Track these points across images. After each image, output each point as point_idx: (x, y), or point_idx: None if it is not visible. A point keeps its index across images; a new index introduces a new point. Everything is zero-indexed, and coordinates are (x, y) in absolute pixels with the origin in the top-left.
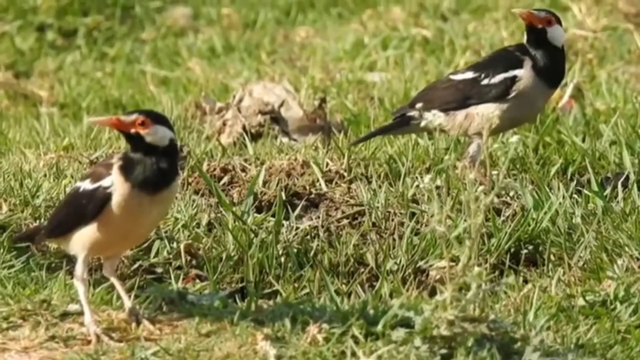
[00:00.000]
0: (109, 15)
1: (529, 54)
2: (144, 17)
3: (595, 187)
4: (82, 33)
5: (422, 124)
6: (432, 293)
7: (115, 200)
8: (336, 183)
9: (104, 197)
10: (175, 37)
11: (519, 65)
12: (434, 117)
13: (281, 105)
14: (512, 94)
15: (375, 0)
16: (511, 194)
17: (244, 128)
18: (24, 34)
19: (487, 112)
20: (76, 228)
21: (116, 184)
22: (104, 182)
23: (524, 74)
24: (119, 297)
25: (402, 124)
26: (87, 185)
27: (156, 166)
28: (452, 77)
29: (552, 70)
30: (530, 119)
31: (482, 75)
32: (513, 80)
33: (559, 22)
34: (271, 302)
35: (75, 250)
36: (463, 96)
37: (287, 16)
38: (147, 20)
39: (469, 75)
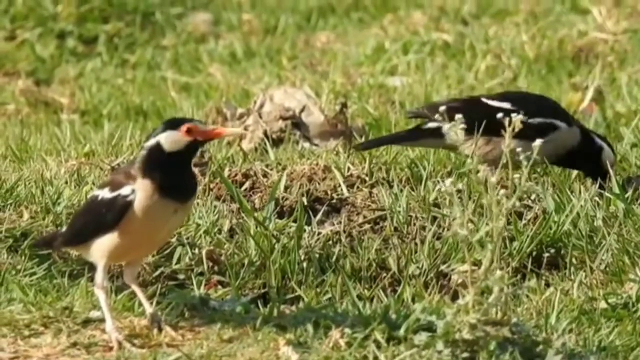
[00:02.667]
0: (130, 22)
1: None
2: (164, 23)
3: (617, 190)
4: (102, 40)
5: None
6: (455, 297)
7: (140, 208)
8: (358, 188)
9: (124, 206)
10: (196, 43)
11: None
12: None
13: (302, 110)
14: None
15: (396, 5)
16: (533, 197)
17: (265, 134)
18: (45, 42)
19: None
20: (96, 236)
21: (142, 192)
22: (124, 191)
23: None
24: (141, 304)
25: (421, 136)
26: (106, 194)
27: (186, 173)
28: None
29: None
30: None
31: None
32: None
33: None
34: (294, 308)
35: (95, 258)
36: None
37: (308, 22)
38: (168, 26)
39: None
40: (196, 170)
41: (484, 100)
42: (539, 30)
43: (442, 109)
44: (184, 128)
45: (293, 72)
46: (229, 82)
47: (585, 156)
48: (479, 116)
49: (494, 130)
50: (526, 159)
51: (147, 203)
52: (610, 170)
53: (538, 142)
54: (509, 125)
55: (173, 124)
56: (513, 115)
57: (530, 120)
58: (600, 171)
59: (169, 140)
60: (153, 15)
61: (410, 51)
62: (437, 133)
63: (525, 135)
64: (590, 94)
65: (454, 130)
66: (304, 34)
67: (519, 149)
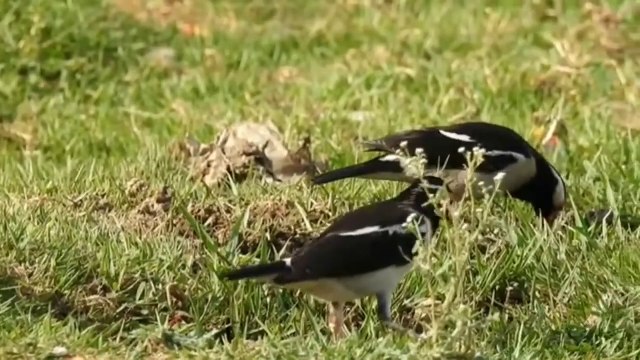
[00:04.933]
0: (92, 57)
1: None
2: (127, 59)
3: (579, 224)
4: (65, 76)
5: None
6: (418, 331)
7: None
8: (321, 223)
9: None
10: (158, 78)
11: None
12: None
13: (265, 145)
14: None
15: (358, 40)
16: (496, 231)
17: (228, 169)
18: (7, 78)
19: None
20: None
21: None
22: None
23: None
24: (104, 340)
25: (379, 169)
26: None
27: None
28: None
29: None
30: None
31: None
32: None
33: None
34: (257, 343)
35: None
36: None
37: (271, 57)
38: (131, 62)
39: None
40: (159, 206)
41: (442, 132)
42: (501, 64)
43: (403, 144)
44: None
45: (256, 108)
46: (192, 118)
47: (539, 188)
48: (437, 149)
49: (453, 162)
50: (488, 193)
51: None
52: (559, 205)
53: (500, 176)
54: (470, 159)
55: None
56: (474, 148)
57: (489, 153)
58: (549, 204)
59: None
60: (115, 50)
61: (373, 86)
62: (396, 166)
63: (484, 167)
64: (552, 127)
65: (415, 164)
66: (266, 69)
67: (479, 182)
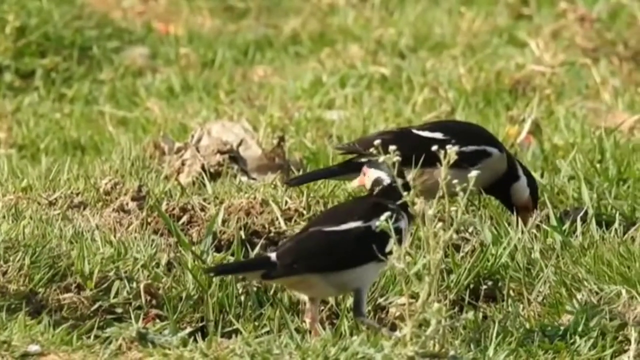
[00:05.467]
0: (67, 56)
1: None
2: (101, 57)
3: (554, 222)
4: (39, 74)
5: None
6: (392, 330)
7: None
8: (295, 221)
9: None
10: (133, 77)
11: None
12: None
13: (240, 144)
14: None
15: (333, 38)
16: (470, 229)
17: (202, 167)
18: None
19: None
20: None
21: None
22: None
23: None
24: (78, 338)
25: (353, 170)
26: None
27: None
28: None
29: None
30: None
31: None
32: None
33: None
34: (231, 341)
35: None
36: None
37: (245, 55)
38: (105, 60)
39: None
40: (133, 205)
41: (415, 131)
42: (476, 63)
43: (377, 142)
44: None
45: (230, 106)
46: (166, 116)
47: (503, 185)
48: (411, 148)
49: (426, 160)
50: (462, 191)
51: None
52: (520, 203)
53: (474, 173)
54: (444, 157)
55: None
56: (447, 146)
57: (463, 149)
58: (509, 201)
59: None
60: (90, 49)
61: (347, 84)
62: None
63: (458, 163)
64: (527, 126)
65: (388, 163)
66: (241, 68)
67: (454, 180)
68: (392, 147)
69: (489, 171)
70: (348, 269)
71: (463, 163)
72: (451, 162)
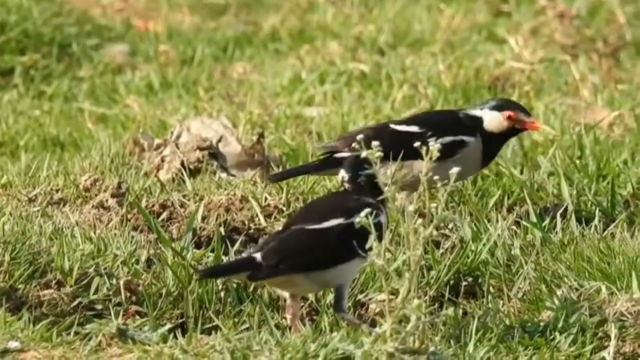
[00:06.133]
0: (46, 53)
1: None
2: (81, 54)
3: (533, 219)
4: (19, 71)
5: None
6: (372, 326)
7: None
8: (275, 217)
9: None
10: (112, 74)
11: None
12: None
13: (219, 140)
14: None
15: (312, 35)
16: (450, 226)
17: (182, 164)
18: None
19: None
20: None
21: None
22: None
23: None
24: (58, 334)
25: (334, 165)
26: None
27: None
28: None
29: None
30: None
31: (429, 133)
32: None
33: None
34: (211, 337)
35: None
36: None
37: (225, 52)
38: (85, 58)
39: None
40: (113, 201)
41: (392, 126)
42: (455, 60)
43: (360, 137)
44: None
45: (210, 103)
46: (146, 113)
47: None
48: (389, 143)
49: (406, 154)
50: (443, 187)
51: None
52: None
53: (455, 170)
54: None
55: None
56: (425, 139)
57: (440, 140)
58: None
59: None
60: (69, 46)
61: (327, 81)
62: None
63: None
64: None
65: (371, 157)
66: (220, 65)
67: (435, 174)
68: (374, 143)
69: (469, 159)
70: (331, 267)
71: (442, 154)
72: (433, 158)
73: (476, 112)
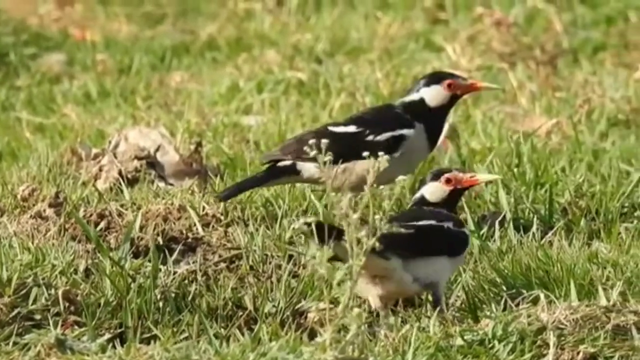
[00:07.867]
0: None
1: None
2: (18, 64)
3: (471, 227)
4: None
5: (304, 173)
6: (312, 335)
7: None
8: (213, 227)
9: None
10: (50, 83)
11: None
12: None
13: (157, 150)
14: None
15: (249, 43)
16: None
17: (120, 173)
18: None
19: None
20: None
21: None
22: None
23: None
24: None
25: (278, 174)
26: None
27: None
28: (331, 128)
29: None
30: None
31: (367, 131)
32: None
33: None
34: (150, 347)
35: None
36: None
37: (162, 61)
38: (22, 67)
39: (352, 129)
40: (51, 211)
41: (330, 128)
42: (393, 68)
43: (312, 141)
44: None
45: (147, 112)
46: (84, 122)
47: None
48: (330, 146)
49: (347, 155)
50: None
51: None
52: None
53: (401, 178)
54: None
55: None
56: (364, 137)
57: (378, 138)
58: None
59: None
60: (7, 55)
61: (265, 90)
62: (293, 169)
63: (378, 153)
64: (444, 131)
65: (321, 160)
66: (158, 74)
67: (383, 174)
68: (324, 141)
69: (412, 152)
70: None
71: (381, 150)
72: (381, 169)
73: (413, 97)
